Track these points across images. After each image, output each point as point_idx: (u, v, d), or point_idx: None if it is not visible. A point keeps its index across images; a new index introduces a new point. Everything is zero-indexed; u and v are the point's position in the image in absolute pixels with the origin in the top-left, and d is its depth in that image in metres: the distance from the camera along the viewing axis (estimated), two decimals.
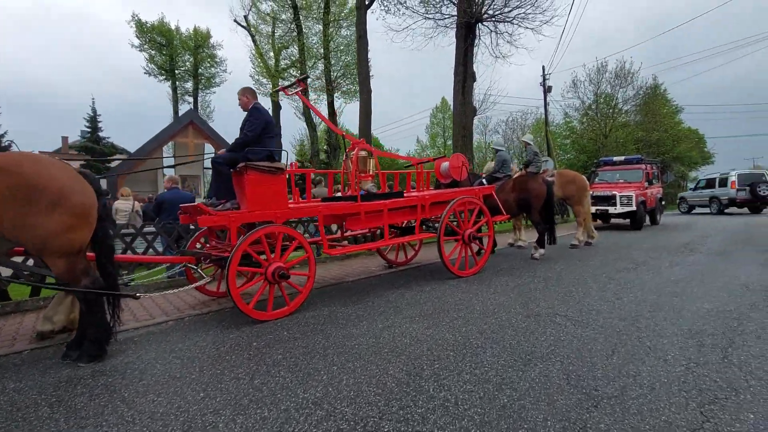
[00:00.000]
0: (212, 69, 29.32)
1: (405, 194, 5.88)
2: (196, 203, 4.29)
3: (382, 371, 2.71)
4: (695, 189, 21.60)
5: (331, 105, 27.04)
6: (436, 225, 5.65)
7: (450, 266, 5.60)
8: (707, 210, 19.74)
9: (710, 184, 20.01)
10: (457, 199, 5.69)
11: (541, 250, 7.17)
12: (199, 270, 4.14)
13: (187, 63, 28.77)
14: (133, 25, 27.16)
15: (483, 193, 6.53)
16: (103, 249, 3.21)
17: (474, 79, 17.58)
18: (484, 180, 7.78)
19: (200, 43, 28.67)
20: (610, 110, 34.84)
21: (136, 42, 27.86)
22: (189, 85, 28.91)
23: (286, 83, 27.06)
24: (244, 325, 3.88)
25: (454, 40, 17.09)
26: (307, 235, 7.20)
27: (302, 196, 5.97)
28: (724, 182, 18.82)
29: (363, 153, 5.50)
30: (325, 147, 28.87)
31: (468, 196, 5.89)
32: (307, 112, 27.16)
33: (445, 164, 6.75)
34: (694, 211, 20.84)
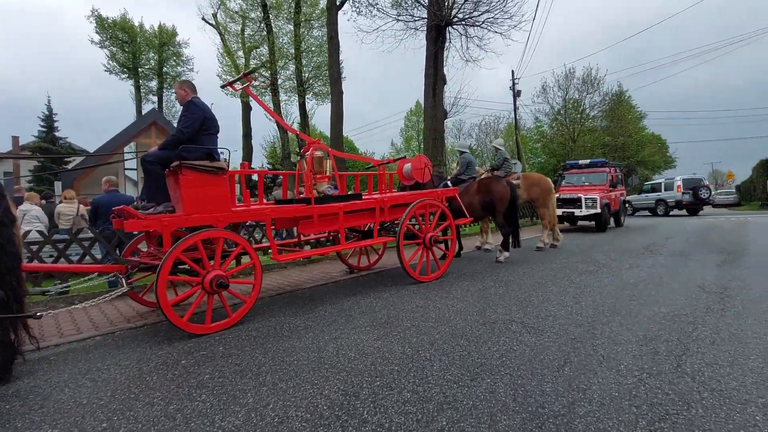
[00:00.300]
0: (178, 68, 28.36)
1: (364, 196, 5.65)
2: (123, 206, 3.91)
3: (317, 391, 2.45)
4: (641, 193, 23.50)
5: (302, 106, 26.60)
6: (397, 228, 5.44)
7: (410, 271, 5.39)
8: (648, 213, 21.75)
9: (655, 188, 21.94)
10: (417, 202, 5.50)
11: (506, 254, 7.08)
12: (122, 279, 3.76)
13: (152, 61, 27.71)
14: (93, 21, 25.95)
15: (446, 195, 6.37)
16: (3, 259, 2.81)
17: (444, 82, 17.59)
18: (448, 182, 7.65)
19: (165, 40, 27.67)
20: (578, 115, 35.79)
21: (97, 38, 26.65)
22: (154, 83, 27.83)
23: (256, 83, 26.17)
24: (178, 340, 3.53)
25: (425, 42, 17.07)
26: (265, 239, 6.86)
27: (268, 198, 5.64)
28: (670, 186, 20.62)
29: (318, 153, 5.23)
30: (297, 149, 28.35)
31: (429, 199, 5.70)
32: (277, 114, 26.57)
33: (408, 166, 6.56)
34: (637, 214, 22.60)
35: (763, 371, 2.49)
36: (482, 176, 8.52)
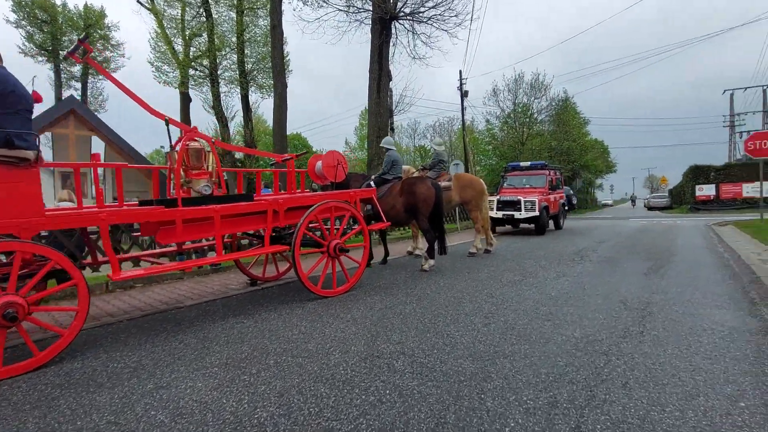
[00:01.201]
0: (107, 52, 25.87)
1: (257, 197, 4.80)
2: None
3: None
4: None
5: (245, 99, 25.08)
6: (293, 235, 4.63)
7: (310, 285, 4.61)
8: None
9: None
10: (319, 204, 4.72)
11: (431, 262, 6.48)
12: None
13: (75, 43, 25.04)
14: None
15: (360, 197, 5.64)
16: None
17: (390, 78, 16.98)
18: (371, 182, 6.95)
19: (92, 22, 25.15)
20: (527, 119, 36.63)
21: (13, 17, 23.72)
22: (77, 69, 25.19)
23: (197, 74, 24.14)
24: None
25: (370, 36, 16.37)
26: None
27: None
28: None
29: (195, 144, 4.32)
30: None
31: (335, 201, 4.94)
32: (217, 106, 24.89)
33: (319, 164, 5.77)
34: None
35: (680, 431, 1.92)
36: (415, 173, 7.92)
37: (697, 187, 28.59)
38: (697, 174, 29.06)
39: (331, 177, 5.71)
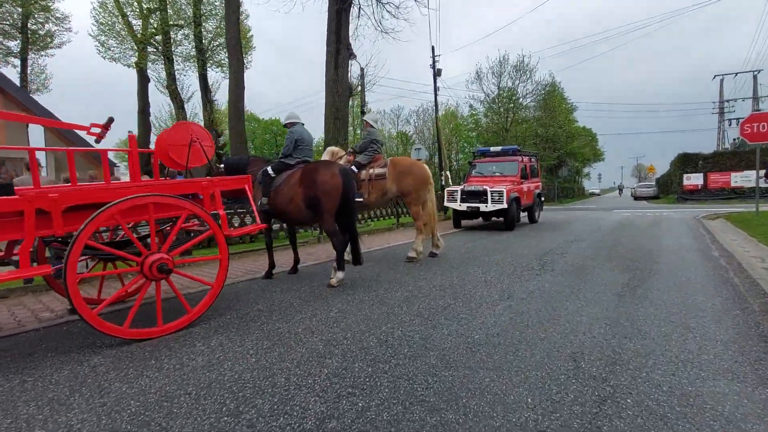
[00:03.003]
0: (48, 25, 23.46)
1: (19, 190, 3.12)
2: None
3: None
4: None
5: (203, 78, 22.95)
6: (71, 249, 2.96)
7: (96, 323, 2.97)
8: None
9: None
10: (120, 201, 3.05)
11: (339, 275, 4.87)
12: None
13: (13, 15, 22.62)
14: None
15: (222, 187, 3.98)
16: None
17: (350, 52, 15.16)
18: (269, 169, 5.28)
19: None
20: (512, 104, 34.97)
21: None
22: (15, 43, 22.78)
23: (150, 50, 22.02)
24: None
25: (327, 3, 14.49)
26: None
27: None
28: None
29: None
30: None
31: (152, 195, 3.27)
32: (171, 85, 22.77)
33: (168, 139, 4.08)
34: None
35: None
36: (340, 160, 6.30)
37: (685, 176, 27.35)
38: (686, 162, 27.80)
39: (180, 159, 4.03)
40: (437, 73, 17.76)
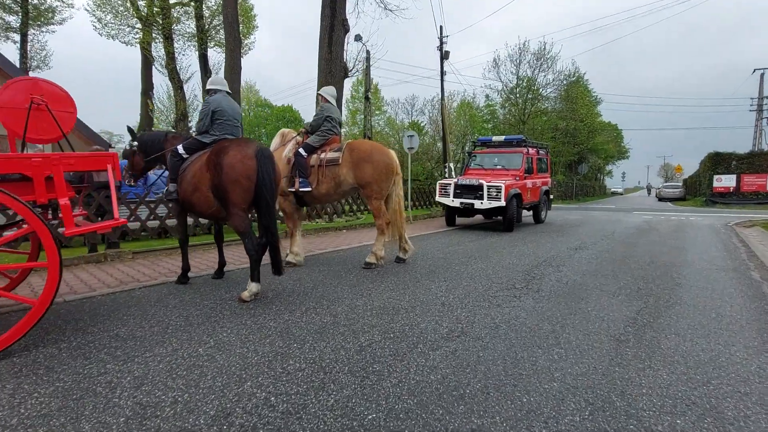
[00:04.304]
0: (50, 0, 22.85)
1: None
2: None
3: None
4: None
5: (203, 57, 22.01)
6: None
7: None
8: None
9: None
10: None
11: (253, 286, 3.76)
12: None
13: None
14: None
15: (65, 167, 2.88)
16: None
17: (346, 29, 13.90)
18: (180, 148, 4.19)
19: None
20: (531, 95, 33.07)
21: None
22: (15, 18, 22.27)
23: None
24: None
25: None
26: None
27: None
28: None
29: None
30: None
31: None
32: (170, 65, 21.92)
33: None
34: None
35: None
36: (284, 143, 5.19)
37: (716, 177, 25.20)
38: (717, 162, 25.59)
39: (16, 127, 2.94)
40: (444, 56, 16.34)
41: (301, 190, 5.12)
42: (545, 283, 4.52)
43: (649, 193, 60.77)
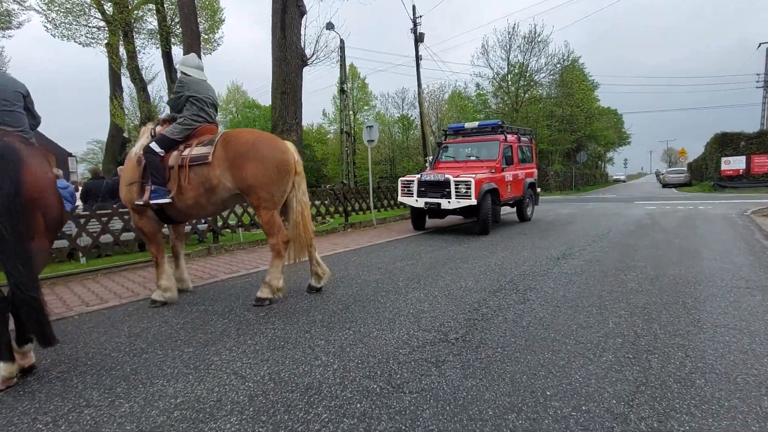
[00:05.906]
0: (5, 4, 21.42)
1: None
2: None
3: None
4: None
5: (167, 56, 20.53)
6: None
7: None
8: None
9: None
10: None
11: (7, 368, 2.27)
12: None
13: None
14: None
15: None
16: None
17: (302, 11, 12.37)
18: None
19: None
20: (524, 82, 31.40)
21: None
22: None
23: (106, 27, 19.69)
24: None
25: None
26: None
27: None
28: None
29: None
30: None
31: None
32: (131, 64, 20.45)
33: None
34: None
35: None
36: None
37: (723, 159, 23.49)
38: (724, 144, 23.85)
39: None
40: (420, 39, 14.78)
41: (153, 202, 3.62)
42: (493, 331, 3.01)
43: (658, 179, 58.95)
